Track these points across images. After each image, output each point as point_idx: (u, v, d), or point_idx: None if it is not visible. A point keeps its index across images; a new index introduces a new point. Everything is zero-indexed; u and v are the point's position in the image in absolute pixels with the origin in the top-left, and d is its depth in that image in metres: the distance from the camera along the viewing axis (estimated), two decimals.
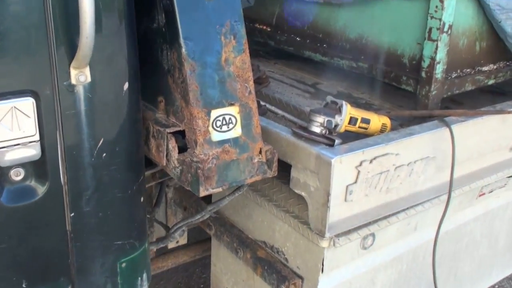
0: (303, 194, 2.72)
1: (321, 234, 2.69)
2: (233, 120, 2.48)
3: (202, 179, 2.37)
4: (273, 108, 3.12)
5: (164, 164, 2.49)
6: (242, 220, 3.34)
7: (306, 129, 2.73)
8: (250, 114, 2.53)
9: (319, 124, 2.68)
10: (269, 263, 3.10)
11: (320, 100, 3.37)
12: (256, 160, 2.56)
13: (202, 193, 2.39)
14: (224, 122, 2.45)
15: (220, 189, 2.46)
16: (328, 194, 2.58)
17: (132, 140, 2.38)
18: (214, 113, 2.42)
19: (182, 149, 2.54)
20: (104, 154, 2.26)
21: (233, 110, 2.47)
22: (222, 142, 2.45)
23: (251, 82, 2.52)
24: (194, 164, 2.38)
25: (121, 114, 2.30)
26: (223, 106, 2.44)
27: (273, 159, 2.58)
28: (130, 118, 2.35)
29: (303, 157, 2.67)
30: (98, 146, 2.24)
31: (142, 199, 2.52)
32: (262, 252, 3.17)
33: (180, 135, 2.52)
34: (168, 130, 2.44)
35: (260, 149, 2.57)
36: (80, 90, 2.13)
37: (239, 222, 3.36)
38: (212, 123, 2.42)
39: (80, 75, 2.09)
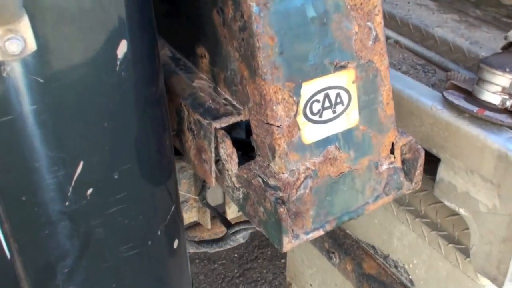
0: (461, 211, 1.52)
1: (494, 281, 1.52)
2: (344, 97, 1.25)
3: (286, 223, 1.21)
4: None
5: (212, 184, 1.32)
6: None
7: (471, 96, 1.47)
8: (376, 81, 1.29)
9: (499, 89, 1.41)
10: (381, 283, 1.98)
11: (475, 28, 2.05)
12: (384, 167, 1.36)
13: (287, 246, 1.24)
14: (327, 104, 1.23)
15: (319, 234, 1.30)
16: None
17: (149, 161, 1.22)
18: (308, 88, 1.20)
19: (244, 153, 1.37)
20: (90, 192, 1.12)
21: (345, 78, 1.24)
22: (323, 144, 1.25)
23: (379, 19, 1.26)
24: (269, 193, 1.21)
25: (119, 109, 1.11)
26: (325, 72, 1.21)
27: (416, 160, 1.37)
28: (142, 117, 1.17)
29: (466, 150, 1.44)
30: (75, 177, 1.09)
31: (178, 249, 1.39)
32: (370, 263, 2.04)
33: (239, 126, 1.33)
34: (217, 124, 1.24)
35: (392, 144, 1.36)
36: (16, 71, 0.96)
37: None
38: (305, 108, 1.21)
39: (9, 40, 0.91)
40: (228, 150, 1.25)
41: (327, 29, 1.18)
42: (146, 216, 1.25)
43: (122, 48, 1.05)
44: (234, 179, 1.30)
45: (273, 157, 1.21)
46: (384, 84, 1.30)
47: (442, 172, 1.53)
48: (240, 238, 2.04)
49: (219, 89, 1.34)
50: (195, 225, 2.56)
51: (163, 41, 1.52)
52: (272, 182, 1.23)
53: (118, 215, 1.18)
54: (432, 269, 1.84)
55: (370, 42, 1.25)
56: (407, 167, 1.39)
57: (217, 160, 1.31)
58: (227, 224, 2.07)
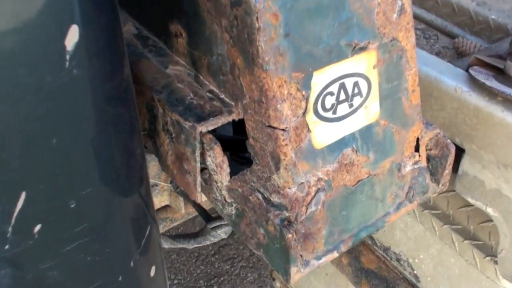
0: (488, 211, 1.29)
1: None
2: (363, 86, 0.98)
3: (295, 250, 0.95)
4: None
5: (198, 200, 1.04)
6: None
7: (503, 75, 1.22)
8: (401, 63, 1.02)
9: None
10: (382, 279, 1.77)
11: None
12: (408, 169, 1.10)
13: (296, 277, 0.99)
14: (342, 97, 0.96)
15: (333, 257, 1.04)
16: None
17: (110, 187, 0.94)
18: (321, 78, 0.92)
19: (232, 153, 1.11)
20: (38, 229, 0.84)
21: (365, 62, 0.97)
22: (338, 146, 0.99)
23: None
24: (273, 214, 0.95)
25: (72, 119, 0.82)
26: (341, 57, 0.93)
27: (445, 158, 1.12)
28: (103, 123, 0.88)
29: (500, 140, 1.20)
30: (16, 213, 0.80)
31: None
32: (369, 256, 1.82)
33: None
34: (203, 127, 0.96)
35: (417, 139, 1.10)
36: None
37: None
38: (316, 104, 0.93)
39: None
40: (217, 159, 0.97)
41: (343, 0, 0.90)
42: (115, 248, 0.97)
43: (72, 36, 0.74)
44: (224, 192, 1.03)
45: (277, 169, 0.94)
46: (410, 67, 1.03)
47: (467, 165, 1.28)
48: (222, 233, 1.78)
49: (201, 77, 1.05)
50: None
51: (126, 14, 1.21)
52: (275, 199, 0.96)
53: (78, 252, 0.90)
54: (442, 266, 1.63)
55: (395, 15, 0.97)
56: (433, 166, 1.14)
57: (203, 169, 1.03)
58: (207, 217, 1.81)
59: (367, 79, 0.98)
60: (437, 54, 1.77)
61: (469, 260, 1.51)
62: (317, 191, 0.98)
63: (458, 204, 1.49)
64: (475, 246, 1.48)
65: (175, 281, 3.39)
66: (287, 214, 0.95)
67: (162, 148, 1.08)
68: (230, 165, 1.04)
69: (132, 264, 1.02)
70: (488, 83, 1.19)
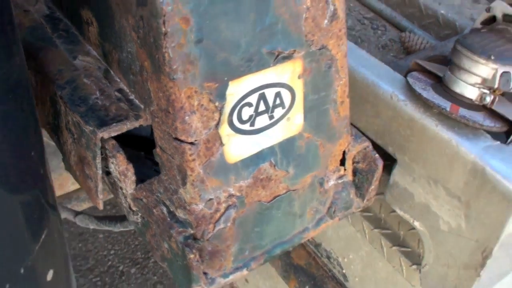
0: (415, 224, 1.25)
1: None
2: (286, 97, 0.90)
3: (198, 270, 0.88)
4: None
5: (100, 207, 0.96)
6: None
7: (441, 85, 1.16)
8: (330, 74, 0.94)
9: (479, 80, 1.10)
10: (310, 276, 1.74)
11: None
12: (331, 184, 1.04)
13: None
14: (262, 108, 0.88)
15: (242, 275, 0.98)
16: (486, 253, 1.12)
17: None
18: (237, 88, 0.84)
19: (148, 152, 1.02)
20: None
21: (289, 72, 0.88)
22: (254, 161, 0.91)
23: None
24: (176, 231, 0.87)
25: None
26: (262, 66, 0.84)
27: (372, 173, 1.06)
28: None
29: (432, 155, 1.15)
30: None
31: None
32: (299, 252, 1.78)
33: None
34: (104, 134, 0.86)
35: (344, 152, 1.04)
36: None
37: None
38: (231, 115, 0.85)
39: None
40: (120, 167, 0.88)
41: (267, 3, 0.81)
42: None
43: None
44: (129, 200, 0.94)
45: (184, 184, 0.86)
46: (339, 77, 0.95)
47: (397, 175, 1.23)
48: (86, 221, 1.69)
49: (112, 73, 0.95)
50: None
51: None
52: (181, 214, 0.88)
53: None
54: (370, 268, 1.60)
55: (326, 21, 0.89)
56: (359, 180, 1.08)
57: (108, 172, 0.94)
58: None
59: (290, 89, 0.90)
60: (383, 47, 1.70)
61: (396, 267, 1.47)
62: (227, 208, 0.90)
63: (390, 208, 1.45)
64: (403, 254, 1.44)
65: (112, 251, 3.31)
66: (191, 232, 0.88)
67: (65, 147, 0.98)
68: (144, 166, 0.96)
69: (22, 270, 0.93)
70: (424, 94, 1.12)
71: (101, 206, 0.94)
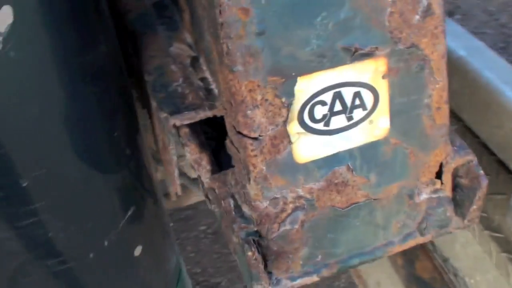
0: None
1: None
2: (368, 98, 0.83)
3: (257, 269, 0.86)
4: None
5: (178, 192, 0.98)
6: None
7: None
8: (422, 75, 0.84)
9: None
10: None
11: None
12: (424, 197, 0.94)
13: None
14: (337, 107, 0.82)
15: (312, 280, 0.93)
16: None
17: None
18: (307, 85, 0.79)
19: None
20: None
21: (370, 71, 0.81)
22: (328, 163, 0.86)
23: None
24: (238, 226, 0.86)
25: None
26: (337, 62, 0.79)
27: (474, 192, 0.94)
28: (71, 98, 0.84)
29: None
30: None
31: None
32: (424, 263, 1.66)
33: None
34: (177, 121, 0.87)
35: (441, 164, 0.93)
36: None
37: None
38: (301, 113, 0.81)
39: None
40: (193, 155, 0.89)
41: None
42: (81, 227, 0.94)
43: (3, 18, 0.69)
44: (206, 188, 0.95)
45: (248, 179, 0.84)
46: (435, 81, 0.85)
47: None
48: None
49: (200, 61, 0.96)
50: None
51: None
52: (245, 209, 0.87)
53: (35, 228, 0.89)
54: None
55: (417, 17, 0.80)
56: (460, 197, 0.96)
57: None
58: None
59: (373, 90, 0.83)
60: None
61: None
62: (294, 209, 0.86)
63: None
64: None
65: None
66: (254, 229, 0.86)
67: (154, 130, 1.02)
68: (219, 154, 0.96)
69: (106, 243, 0.99)
70: None
71: (179, 191, 0.96)
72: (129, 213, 1.02)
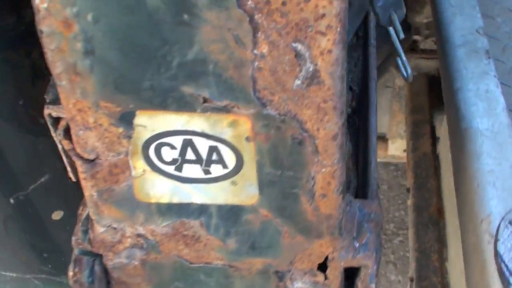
0: None
1: None
2: (228, 157, 0.69)
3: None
4: None
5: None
6: None
7: None
8: (302, 152, 0.66)
9: None
10: None
11: None
12: (300, 286, 0.78)
13: None
14: (190, 156, 0.69)
15: None
16: None
17: None
18: (148, 121, 0.67)
19: None
20: None
21: (230, 129, 0.66)
22: (177, 211, 0.74)
23: (330, 41, 0.59)
24: (77, 241, 0.79)
25: None
26: (183, 107, 0.65)
27: None
28: None
29: None
30: None
31: None
32: None
33: None
34: (49, 109, 0.80)
35: (326, 258, 0.75)
36: None
37: None
38: (146, 149, 0.69)
39: None
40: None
41: (191, 32, 0.60)
42: None
43: None
44: None
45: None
46: (320, 164, 0.67)
47: None
48: None
49: None
50: None
51: None
52: (89, 226, 0.79)
53: None
54: None
55: (298, 82, 0.61)
56: None
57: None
58: None
59: (235, 149, 0.67)
60: None
61: None
62: (133, 245, 0.77)
63: None
64: None
65: None
66: (89, 249, 0.79)
67: None
68: None
69: (12, 201, 1.00)
70: None
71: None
72: (42, 179, 1.00)
